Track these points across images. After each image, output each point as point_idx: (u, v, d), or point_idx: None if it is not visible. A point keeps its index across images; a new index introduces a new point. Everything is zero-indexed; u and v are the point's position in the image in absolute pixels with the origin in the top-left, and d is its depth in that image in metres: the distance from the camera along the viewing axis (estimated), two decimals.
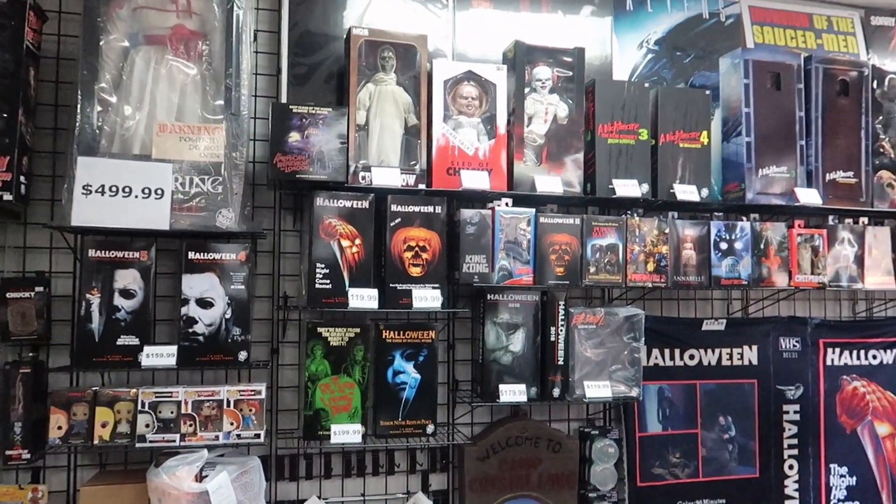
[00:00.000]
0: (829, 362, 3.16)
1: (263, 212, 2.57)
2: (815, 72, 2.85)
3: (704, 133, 2.70)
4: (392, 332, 2.43)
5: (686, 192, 2.64)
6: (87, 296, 2.17)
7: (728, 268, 2.68)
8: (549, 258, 2.49)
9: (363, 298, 2.30)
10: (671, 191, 2.63)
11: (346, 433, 2.29)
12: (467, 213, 2.43)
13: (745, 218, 2.76)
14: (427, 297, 2.37)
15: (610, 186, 2.56)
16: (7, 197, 2.07)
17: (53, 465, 2.32)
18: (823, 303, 3.24)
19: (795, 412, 3.09)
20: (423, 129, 2.43)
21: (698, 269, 2.67)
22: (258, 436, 2.21)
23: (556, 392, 2.52)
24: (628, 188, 2.56)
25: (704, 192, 2.67)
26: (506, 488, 2.63)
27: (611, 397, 2.55)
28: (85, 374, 2.31)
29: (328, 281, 2.31)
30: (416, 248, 2.40)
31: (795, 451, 3.07)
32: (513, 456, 2.64)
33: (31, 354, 2.27)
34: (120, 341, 2.18)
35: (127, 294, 2.20)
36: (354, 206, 2.35)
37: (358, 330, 2.39)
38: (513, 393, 2.46)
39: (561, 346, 2.54)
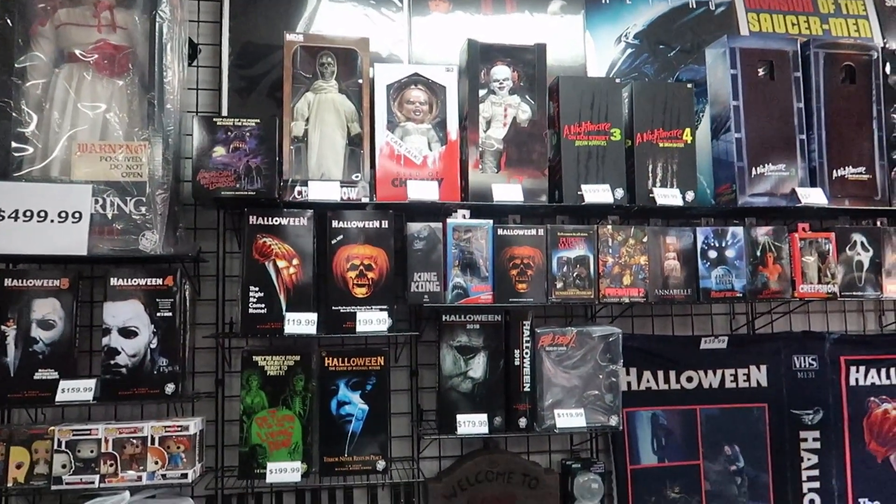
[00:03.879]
0: (852, 382, 2.80)
1: (208, 233, 2.42)
2: (815, 58, 2.54)
3: (687, 131, 2.44)
4: (335, 359, 2.22)
5: (667, 197, 2.37)
6: (3, 327, 2.04)
7: (718, 279, 2.39)
8: (509, 273, 2.25)
9: (300, 323, 2.12)
10: (650, 195, 2.36)
11: (283, 471, 2.09)
12: (414, 227, 2.22)
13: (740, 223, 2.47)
14: (373, 320, 2.17)
15: (579, 193, 2.32)
16: None
17: None
18: (843, 315, 2.89)
19: (815, 439, 2.74)
20: (365, 138, 2.26)
21: (685, 282, 2.39)
22: (185, 475, 2.03)
23: (523, 422, 2.27)
24: (599, 194, 2.31)
25: (690, 195, 2.40)
26: None
27: (585, 427, 2.27)
28: (15, 410, 2.19)
29: (263, 305, 2.14)
30: (361, 267, 2.21)
31: (817, 484, 2.72)
32: (483, 493, 2.39)
33: None
34: (37, 375, 2.04)
35: (45, 325, 2.07)
36: (291, 223, 2.18)
37: (298, 357, 2.19)
38: (472, 424, 2.22)
39: (527, 370, 2.29)
